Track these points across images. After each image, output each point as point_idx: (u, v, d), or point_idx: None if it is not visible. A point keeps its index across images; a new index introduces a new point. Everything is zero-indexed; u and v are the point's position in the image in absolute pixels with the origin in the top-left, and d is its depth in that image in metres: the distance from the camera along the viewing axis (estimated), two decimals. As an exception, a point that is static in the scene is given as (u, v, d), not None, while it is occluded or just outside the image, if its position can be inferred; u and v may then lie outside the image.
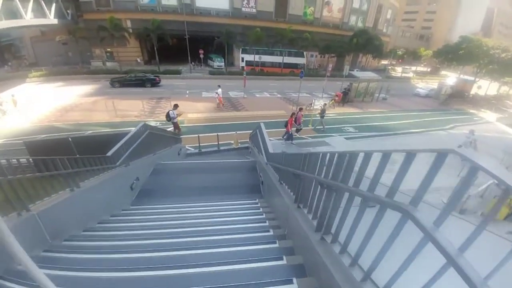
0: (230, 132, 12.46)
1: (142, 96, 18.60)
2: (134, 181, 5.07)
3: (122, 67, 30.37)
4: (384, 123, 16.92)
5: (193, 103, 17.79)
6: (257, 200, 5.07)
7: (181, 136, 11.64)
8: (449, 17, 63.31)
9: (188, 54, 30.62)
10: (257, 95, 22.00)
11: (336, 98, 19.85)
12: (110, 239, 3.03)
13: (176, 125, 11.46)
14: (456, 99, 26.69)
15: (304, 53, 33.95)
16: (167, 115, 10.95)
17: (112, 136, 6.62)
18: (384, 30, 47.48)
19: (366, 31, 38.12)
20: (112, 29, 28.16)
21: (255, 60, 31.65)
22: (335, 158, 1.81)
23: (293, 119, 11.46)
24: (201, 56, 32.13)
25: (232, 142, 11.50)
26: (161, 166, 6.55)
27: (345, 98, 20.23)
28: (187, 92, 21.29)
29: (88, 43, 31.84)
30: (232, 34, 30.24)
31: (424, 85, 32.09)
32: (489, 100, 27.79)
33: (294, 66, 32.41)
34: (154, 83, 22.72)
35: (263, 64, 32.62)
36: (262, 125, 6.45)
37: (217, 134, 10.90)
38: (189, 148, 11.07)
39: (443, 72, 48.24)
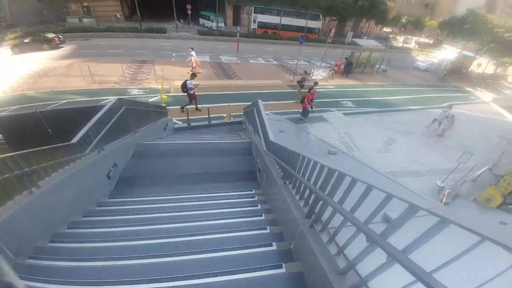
0: (222, 104, 11.54)
1: (122, 58, 16.73)
2: (111, 169, 4.39)
3: (100, 23, 26.95)
4: (384, 97, 16.31)
5: (180, 68, 16.22)
6: (253, 192, 4.59)
7: (168, 108, 10.68)
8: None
9: (174, 9, 27.32)
10: (251, 61, 20.39)
11: (336, 68, 18.69)
12: (78, 256, 2.48)
13: (194, 96, 10.36)
14: (455, 75, 26.12)
15: (320, 16, 31.14)
16: (184, 85, 9.74)
17: (88, 109, 5.66)
18: (390, -7, 43.76)
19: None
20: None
21: (269, 22, 29.06)
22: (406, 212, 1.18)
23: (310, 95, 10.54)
24: (189, 12, 28.81)
25: (224, 115, 10.67)
26: (144, 147, 5.79)
27: (347, 69, 19.02)
28: (174, 55, 19.34)
29: (63, -2, 27.79)
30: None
31: (424, 58, 30.96)
32: (485, 79, 27.39)
33: (309, 30, 29.49)
34: (52, 45, 18.44)
35: (275, 26, 29.85)
36: (260, 103, 5.63)
37: (208, 107, 9.99)
38: (177, 121, 10.19)
39: (444, 46, 46.47)
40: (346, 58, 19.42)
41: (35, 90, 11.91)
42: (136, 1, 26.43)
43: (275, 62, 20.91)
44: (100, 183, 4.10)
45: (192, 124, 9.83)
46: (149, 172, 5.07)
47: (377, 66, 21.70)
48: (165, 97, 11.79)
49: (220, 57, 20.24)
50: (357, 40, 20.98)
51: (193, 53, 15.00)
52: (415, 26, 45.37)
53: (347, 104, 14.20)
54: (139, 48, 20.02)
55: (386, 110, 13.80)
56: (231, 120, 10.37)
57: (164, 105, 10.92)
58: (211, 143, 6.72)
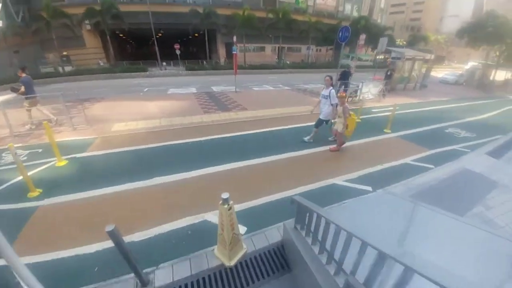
0: (213, 174, 3.93)
1: (63, 99, 9.74)
2: None
3: (70, 69, 21.31)
4: (483, 116, 8.98)
5: (144, 102, 9.09)
6: None
7: (45, 203, 2.98)
8: (438, 6, 57.53)
9: (157, 49, 22.08)
10: (256, 89, 13.46)
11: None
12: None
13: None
14: (483, 85, 20.19)
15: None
16: None
17: None
18: (379, 21, 40.42)
19: (366, 18, 30.77)
20: (50, 17, 18.95)
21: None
22: None
23: None
24: (178, 52, 23.33)
25: (220, 230, 2.92)
26: None
27: (389, 83, 12.13)
28: (145, 90, 12.45)
29: (40, 48, 23.04)
30: (213, 19, 21.92)
31: (449, 72, 25.15)
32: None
33: None
34: None
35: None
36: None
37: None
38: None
39: (446, 62, 41.61)
40: (388, 69, 12.67)
41: None
42: (108, 36, 21.23)
43: (287, 88, 14.02)
44: None
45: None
46: None
47: (417, 83, 14.98)
48: (62, 163, 4.24)
49: (212, 87, 13.42)
50: (394, 49, 14.51)
51: None
52: (410, 46, 41.04)
53: (458, 134, 6.64)
54: (103, 87, 13.33)
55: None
56: (238, 257, 2.48)
57: (36, 194, 3.25)
58: None
